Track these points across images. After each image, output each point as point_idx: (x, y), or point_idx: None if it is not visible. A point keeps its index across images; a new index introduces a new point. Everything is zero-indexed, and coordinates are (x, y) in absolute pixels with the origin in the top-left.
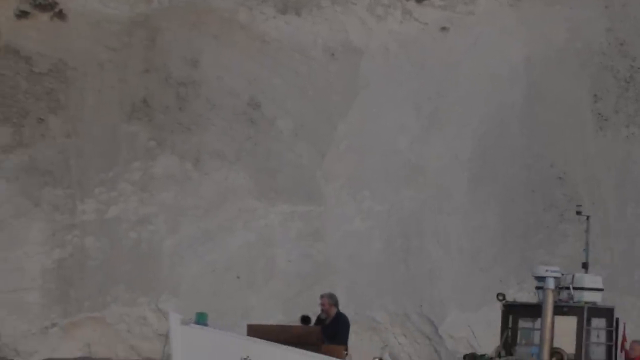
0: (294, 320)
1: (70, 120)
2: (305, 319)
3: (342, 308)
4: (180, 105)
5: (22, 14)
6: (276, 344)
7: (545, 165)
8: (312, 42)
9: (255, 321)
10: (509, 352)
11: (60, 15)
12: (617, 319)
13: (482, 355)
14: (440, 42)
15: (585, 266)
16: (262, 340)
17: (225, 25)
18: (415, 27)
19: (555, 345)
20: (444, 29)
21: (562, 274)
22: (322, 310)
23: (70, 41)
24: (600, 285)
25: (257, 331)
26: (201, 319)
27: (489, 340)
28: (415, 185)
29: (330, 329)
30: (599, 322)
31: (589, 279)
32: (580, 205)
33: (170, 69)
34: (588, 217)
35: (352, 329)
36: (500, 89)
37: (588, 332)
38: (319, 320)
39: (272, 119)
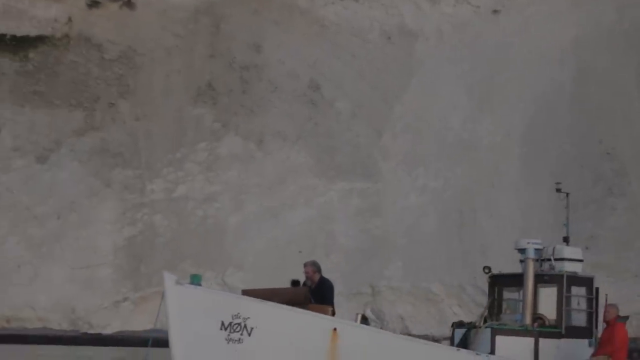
0: (351, 294)
1: (139, 104)
2: (294, 282)
3: (399, 281)
4: (243, 89)
5: (93, 4)
6: (265, 301)
7: (593, 142)
8: (369, 26)
9: None
10: (493, 320)
11: (129, 4)
12: (597, 288)
13: (469, 323)
14: (492, 24)
15: (566, 239)
16: (253, 299)
17: (286, 11)
18: (467, 10)
19: (539, 312)
20: (495, 11)
21: (544, 247)
22: (307, 278)
23: (138, 29)
24: (579, 257)
25: (250, 294)
26: (195, 280)
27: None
28: (468, 162)
29: (316, 293)
30: (579, 291)
31: (569, 251)
32: (559, 183)
33: (234, 54)
34: (567, 194)
35: (409, 300)
36: (550, 69)
37: (568, 299)
38: (305, 286)
39: (331, 101)
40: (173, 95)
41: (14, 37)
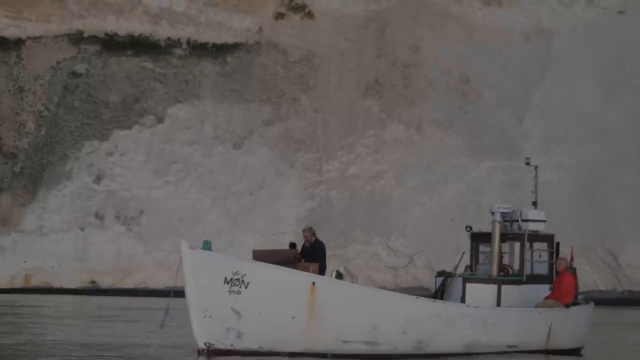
0: None
1: (318, 98)
2: (292, 245)
3: None
4: (405, 83)
5: (279, 15)
6: (260, 262)
7: None
8: (511, 28)
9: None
10: (472, 271)
11: (309, 14)
12: (558, 243)
13: (449, 273)
14: (618, 24)
15: (534, 204)
16: (249, 260)
17: (440, 18)
18: (596, 11)
19: (507, 264)
20: (621, 12)
21: (513, 210)
22: (306, 241)
23: (317, 35)
24: (543, 218)
25: (256, 254)
26: (206, 246)
27: None
28: (598, 143)
29: (311, 252)
30: (541, 246)
31: (533, 213)
32: (528, 158)
33: (397, 54)
34: (536, 167)
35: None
36: None
37: (531, 253)
38: (304, 247)
39: (479, 92)
40: (346, 90)
41: (214, 45)
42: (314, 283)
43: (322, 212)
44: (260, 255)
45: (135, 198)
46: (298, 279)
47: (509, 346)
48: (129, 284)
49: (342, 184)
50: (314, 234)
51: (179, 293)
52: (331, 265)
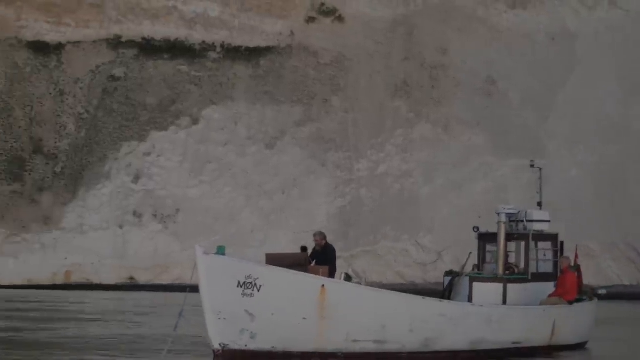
0: None
1: (348, 99)
2: (303, 249)
3: (562, 239)
4: (432, 84)
5: (311, 19)
6: (271, 266)
7: None
8: (536, 30)
9: None
10: (479, 270)
11: (340, 18)
12: (562, 242)
13: (457, 272)
14: None
15: (539, 204)
16: (261, 264)
17: (467, 20)
18: (619, 14)
19: (512, 262)
20: None
21: (518, 211)
22: (317, 244)
23: (347, 38)
24: (547, 218)
25: (269, 257)
26: (220, 250)
27: None
28: (620, 141)
29: (322, 255)
30: (545, 245)
31: (538, 214)
32: (533, 160)
33: (424, 56)
34: (541, 169)
35: (569, 255)
36: None
37: (535, 252)
38: (314, 251)
39: (505, 92)
40: (375, 91)
41: (247, 48)
42: (323, 285)
43: (352, 210)
44: (273, 259)
45: (172, 197)
46: (308, 281)
47: (514, 342)
48: (165, 279)
49: (372, 182)
50: (325, 237)
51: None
52: (359, 261)
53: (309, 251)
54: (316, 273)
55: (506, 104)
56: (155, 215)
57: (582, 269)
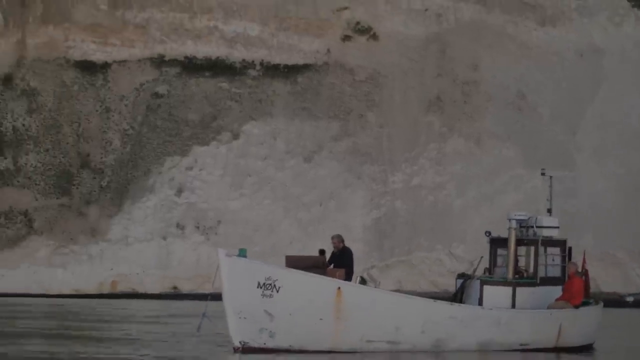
0: None
1: (383, 114)
2: (321, 252)
3: (590, 248)
4: (464, 100)
5: (346, 38)
6: (290, 268)
7: None
8: (564, 46)
9: None
10: (490, 273)
11: (374, 36)
12: (570, 247)
13: (469, 275)
14: None
15: (549, 211)
16: (281, 266)
17: (497, 37)
18: None
19: (522, 267)
20: None
21: (529, 217)
22: (334, 247)
23: (381, 55)
24: (556, 224)
25: (289, 260)
26: (242, 253)
27: None
28: None
29: (339, 258)
30: (553, 250)
31: (547, 220)
32: (544, 169)
33: (457, 72)
34: (551, 177)
35: (597, 264)
36: None
37: (544, 257)
38: (333, 254)
39: (535, 106)
40: (409, 106)
41: (286, 66)
42: (339, 288)
43: (387, 221)
44: (292, 261)
45: (213, 209)
46: (325, 284)
47: (521, 344)
48: (207, 289)
49: (406, 194)
50: (342, 240)
51: (218, 297)
52: (394, 271)
53: (328, 254)
54: (333, 275)
55: (536, 118)
56: (197, 227)
57: (610, 276)
